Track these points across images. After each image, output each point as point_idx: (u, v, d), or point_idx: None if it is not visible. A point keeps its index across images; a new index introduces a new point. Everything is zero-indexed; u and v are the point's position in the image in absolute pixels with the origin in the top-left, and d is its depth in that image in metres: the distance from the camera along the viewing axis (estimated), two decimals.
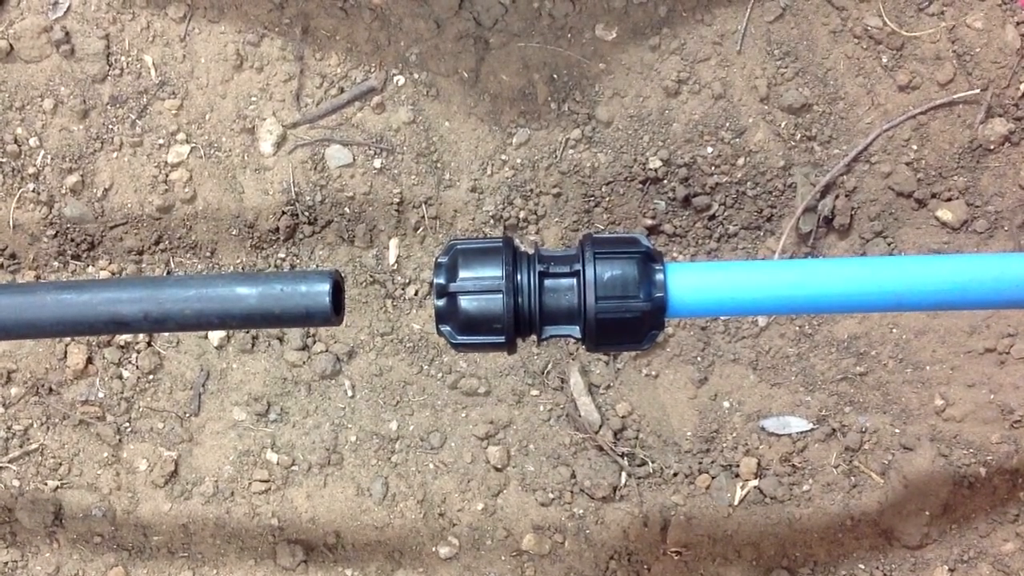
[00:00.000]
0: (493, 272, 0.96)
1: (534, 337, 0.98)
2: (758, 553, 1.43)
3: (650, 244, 0.98)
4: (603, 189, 1.45)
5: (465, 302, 0.96)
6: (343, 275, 1.14)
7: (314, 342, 1.47)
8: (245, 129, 1.48)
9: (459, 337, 0.97)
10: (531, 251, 0.98)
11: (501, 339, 0.96)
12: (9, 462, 1.48)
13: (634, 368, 1.46)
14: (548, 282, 0.96)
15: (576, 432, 1.45)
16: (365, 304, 1.48)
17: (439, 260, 0.98)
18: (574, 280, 0.96)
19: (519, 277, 0.96)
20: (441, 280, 0.96)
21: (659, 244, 1.44)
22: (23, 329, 1.00)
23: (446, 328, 0.97)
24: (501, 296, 0.95)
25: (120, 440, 1.48)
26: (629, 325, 0.96)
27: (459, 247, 0.98)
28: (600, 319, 0.95)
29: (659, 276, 0.96)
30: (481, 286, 0.96)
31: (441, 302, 0.97)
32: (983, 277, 0.97)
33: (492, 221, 1.46)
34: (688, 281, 0.97)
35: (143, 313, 0.98)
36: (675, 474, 1.44)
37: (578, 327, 0.96)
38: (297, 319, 0.98)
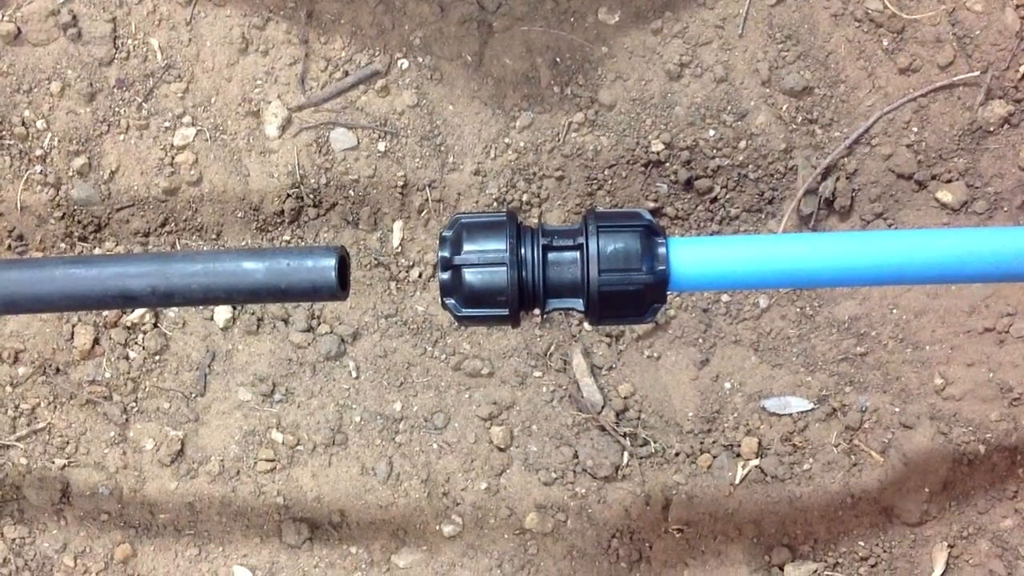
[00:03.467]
0: (497, 245, 0.97)
1: (537, 311, 0.99)
2: (759, 531, 1.44)
3: (652, 218, 0.99)
4: (606, 172, 1.46)
5: (469, 275, 0.97)
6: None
7: (319, 324, 1.49)
8: (250, 112, 1.49)
9: (463, 310, 0.98)
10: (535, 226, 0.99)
11: (505, 312, 0.97)
12: (17, 440, 1.49)
13: (636, 349, 1.47)
14: (552, 255, 0.97)
15: (579, 413, 1.46)
16: (369, 286, 1.49)
17: (444, 234, 0.99)
18: (577, 253, 0.97)
19: (523, 250, 0.97)
20: (446, 253, 0.97)
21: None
22: (32, 303, 1.01)
23: (451, 301, 0.98)
24: (505, 269, 0.96)
25: (127, 420, 1.49)
26: (632, 298, 0.97)
27: (463, 221, 0.99)
28: (603, 292, 0.96)
29: (661, 250, 0.97)
30: (485, 259, 0.97)
31: (446, 275, 0.98)
32: (982, 250, 0.98)
33: (495, 204, 1.47)
34: (690, 255, 0.98)
35: (151, 288, 0.99)
36: (677, 454, 1.45)
37: (581, 300, 0.97)
38: (303, 294, 1.00)
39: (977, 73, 1.41)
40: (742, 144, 1.45)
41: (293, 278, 0.98)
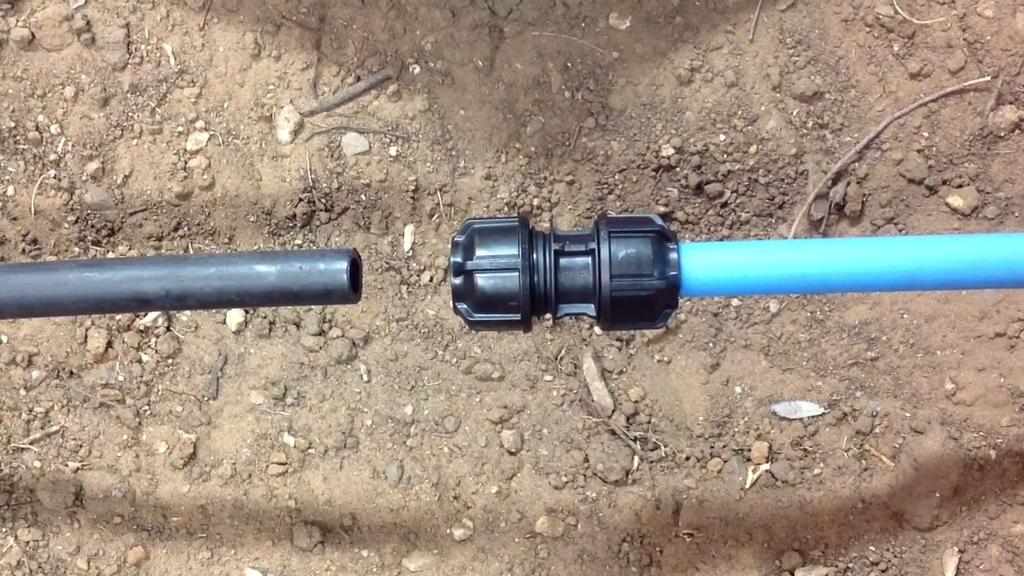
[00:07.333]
0: (509, 250, 0.97)
1: (549, 315, 0.99)
2: (770, 535, 1.44)
3: (664, 223, 0.99)
4: (616, 177, 1.47)
5: (482, 280, 0.97)
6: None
7: (330, 327, 1.49)
8: (263, 117, 1.50)
9: (476, 315, 0.99)
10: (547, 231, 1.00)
11: (517, 317, 0.98)
12: (31, 444, 1.50)
13: (647, 354, 1.47)
14: (563, 260, 0.98)
15: (589, 417, 1.47)
16: (381, 290, 1.49)
17: (456, 239, 0.99)
18: (589, 259, 0.97)
19: (535, 255, 0.97)
20: (458, 258, 0.98)
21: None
22: (46, 307, 1.02)
23: (463, 306, 0.99)
24: (517, 274, 0.96)
25: (140, 423, 1.50)
26: (643, 303, 0.98)
27: (475, 226, 1.00)
28: (615, 297, 0.97)
29: (673, 255, 0.98)
30: (497, 264, 0.97)
31: (458, 280, 0.98)
32: (994, 256, 0.98)
33: (506, 208, 1.48)
34: (701, 260, 0.98)
35: (164, 290, 1.00)
36: (687, 458, 1.45)
37: (593, 305, 0.98)
38: (316, 296, 1.00)
39: (988, 78, 1.41)
40: (753, 149, 1.45)
41: (305, 281, 0.99)
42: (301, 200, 1.49)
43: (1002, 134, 1.41)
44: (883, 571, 1.42)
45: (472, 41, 1.48)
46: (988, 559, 1.41)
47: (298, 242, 1.50)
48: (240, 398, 1.50)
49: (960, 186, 1.42)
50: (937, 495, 1.41)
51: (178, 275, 1.00)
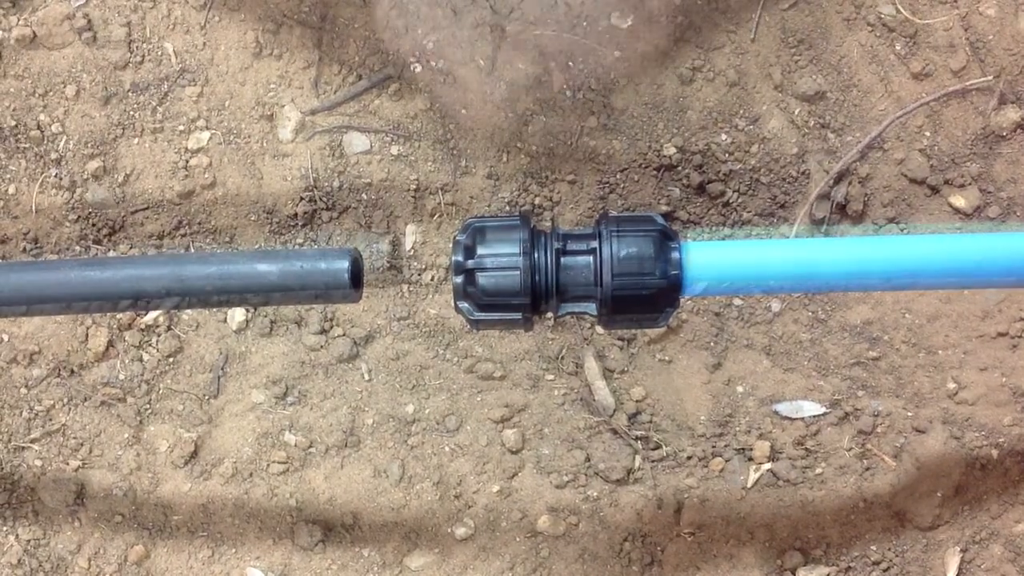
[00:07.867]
0: (510, 249, 0.98)
1: (551, 314, 0.99)
2: (771, 535, 1.44)
3: (666, 223, 0.99)
4: (618, 176, 1.47)
5: (483, 279, 0.97)
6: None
7: (332, 326, 1.49)
8: (264, 116, 1.50)
9: (477, 314, 0.99)
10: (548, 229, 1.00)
11: (518, 316, 0.98)
12: (32, 442, 1.50)
13: (648, 353, 1.47)
14: (565, 259, 0.98)
15: (591, 416, 1.47)
16: (382, 289, 1.49)
17: (457, 238, 0.99)
18: (591, 258, 0.98)
19: (536, 254, 0.98)
20: (459, 257, 0.98)
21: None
22: (48, 305, 1.02)
23: (464, 305, 0.99)
24: (518, 273, 0.97)
25: (141, 421, 1.50)
26: (645, 302, 0.98)
27: (476, 225, 1.00)
28: (616, 296, 0.97)
29: (675, 254, 0.98)
30: (499, 263, 0.97)
31: (459, 279, 0.98)
32: (996, 255, 0.98)
33: (508, 207, 1.48)
34: (703, 259, 0.99)
35: (165, 289, 1.00)
36: (689, 457, 1.45)
37: (594, 304, 0.98)
38: (317, 295, 1.01)
39: (990, 78, 1.41)
40: (754, 148, 1.45)
41: (307, 280, 0.99)
42: (303, 199, 1.49)
43: (1004, 134, 1.41)
44: (885, 570, 1.42)
45: (474, 40, 1.48)
46: (990, 558, 1.41)
47: (300, 241, 1.50)
48: (242, 397, 1.49)
49: (962, 186, 1.42)
50: (939, 494, 1.41)
51: (179, 274, 1.00)
